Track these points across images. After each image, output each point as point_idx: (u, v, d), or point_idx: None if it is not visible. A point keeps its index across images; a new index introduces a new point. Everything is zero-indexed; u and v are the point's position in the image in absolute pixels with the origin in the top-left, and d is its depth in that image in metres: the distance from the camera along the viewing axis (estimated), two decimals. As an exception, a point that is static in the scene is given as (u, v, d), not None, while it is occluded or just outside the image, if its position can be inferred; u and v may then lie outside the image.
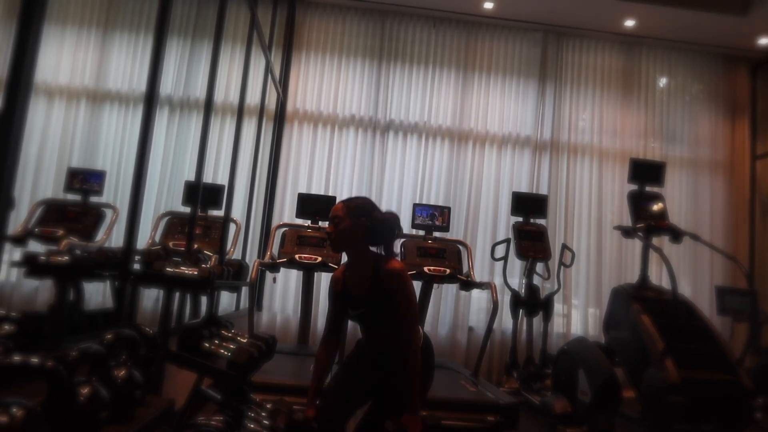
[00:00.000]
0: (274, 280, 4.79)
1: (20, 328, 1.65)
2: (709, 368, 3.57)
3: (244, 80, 4.04)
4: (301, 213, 4.66)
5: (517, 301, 4.89)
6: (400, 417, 1.95)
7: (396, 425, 1.95)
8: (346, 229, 2.06)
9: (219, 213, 3.99)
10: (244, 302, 4.63)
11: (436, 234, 4.77)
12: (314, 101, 5.73)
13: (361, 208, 2.11)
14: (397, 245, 4.69)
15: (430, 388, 2.16)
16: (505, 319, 5.25)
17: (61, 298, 2.24)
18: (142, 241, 3.58)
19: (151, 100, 2.38)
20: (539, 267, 5.01)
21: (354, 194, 5.28)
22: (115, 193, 3.64)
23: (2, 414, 1.11)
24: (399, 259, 2.14)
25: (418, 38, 5.94)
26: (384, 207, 5.78)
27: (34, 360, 1.27)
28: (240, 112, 4.07)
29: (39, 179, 3.33)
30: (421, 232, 4.83)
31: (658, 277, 5.23)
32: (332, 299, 2.18)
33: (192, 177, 3.26)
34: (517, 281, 5.13)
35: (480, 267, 5.35)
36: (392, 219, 2.14)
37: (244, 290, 4.42)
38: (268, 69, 4.93)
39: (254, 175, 4.93)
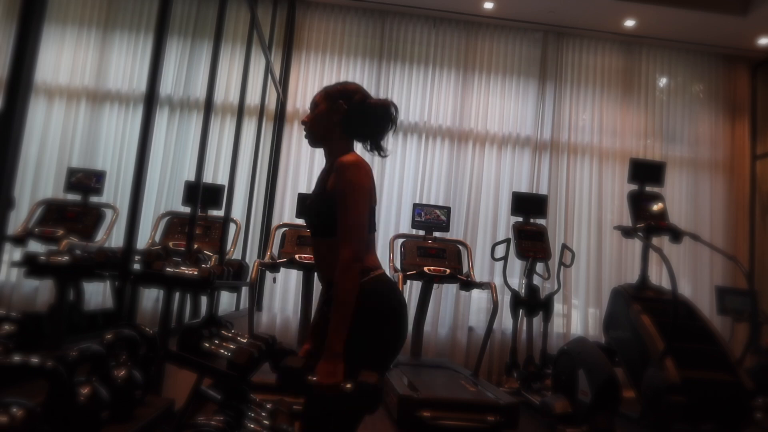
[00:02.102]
0: (274, 280, 4.79)
1: (20, 328, 1.65)
2: (709, 368, 3.58)
3: (244, 80, 4.04)
4: (301, 213, 4.66)
5: (517, 301, 4.90)
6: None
7: (303, 366, 1.53)
8: (320, 115, 1.70)
9: (219, 213, 3.99)
10: (244, 302, 4.63)
11: (436, 234, 4.78)
12: (314, 101, 5.72)
13: (340, 91, 1.72)
14: (392, 241, 4.70)
15: (394, 352, 1.65)
16: (505, 319, 5.25)
17: (61, 298, 2.24)
18: (142, 241, 3.58)
19: (151, 100, 2.38)
20: (539, 267, 5.02)
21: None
22: (115, 193, 3.64)
23: (2, 414, 1.11)
24: (357, 156, 1.64)
25: (418, 38, 5.94)
26: (384, 207, 5.87)
27: (34, 360, 1.26)
28: (240, 112, 4.07)
29: (39, 179, 3.33)
30: (421, 232, 4.83)
31: (658, 277, 5.23)
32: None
33: (192, 177, 3.26)
34: (517, 281, 5.13)
35: (480, 267, 5.35)
36: (379, 105, 1.70)
37: (244, 290, 4.42)
38: (268, 69, 4.93)
39: (254, 175, 4.93)
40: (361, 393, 1.45)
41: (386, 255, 4.67)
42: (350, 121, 1.70)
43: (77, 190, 3.25)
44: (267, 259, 4.34)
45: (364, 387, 1.45)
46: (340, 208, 1.57)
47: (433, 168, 5.76)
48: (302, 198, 4.73)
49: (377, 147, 1.75)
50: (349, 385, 1.46)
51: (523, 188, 5.70)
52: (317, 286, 5.16)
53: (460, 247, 4.74)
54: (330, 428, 1.56)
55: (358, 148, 1.77)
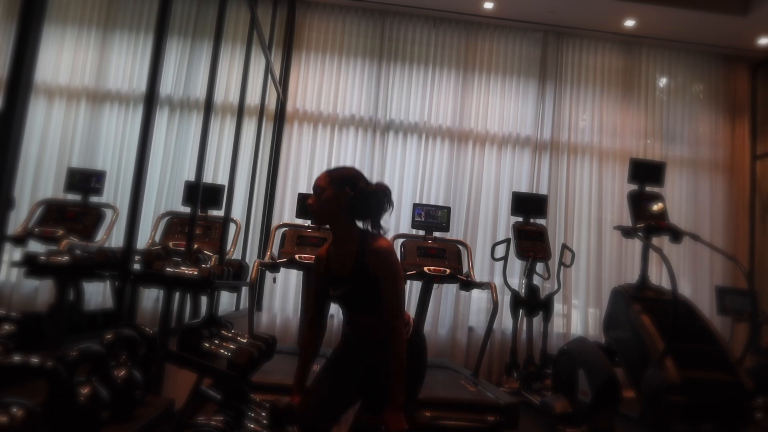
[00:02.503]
0: (274, 280, 4.79)
1: (20, 328, 1.65)
2: (709, 368, 3.58)
3: (244, 80, 4.04)
4: (301, 213, 4.66)
5: (517, 301, 4.89)
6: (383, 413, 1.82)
7: (377, 421, 1.83)
8: (328, 200, 1.89)
9: (219, 213, 3.99)
10: (244, 302, 4.63)
11: (436, 234, 4.77)
12: (314, 101, 5.73)
13: (345, 178, 1.92)
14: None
15: (422, 386, 2.02)
16: (505, 319, 5.25)
17: (61, 298, 2.24)
18: (142, 241, 3.58)
19: (151, 100, 2.38)
20: (539, 267, 5.01)
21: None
22: (115, 193, 3.64)
23: (2, 414, 1.11)
24: (386, 237, 1.96)
25: (418, 38, 5.94)
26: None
27: (34, 360, 1.26)
28: (240, 112, 4.07)
29: (39, 179, 3.33)
30: (421, 232, 4.83)
31: (658, 277, 5.23)
32: (315, 278, 2.07)
33: (192, 177, 3.26)
34: (517, 281, 5.13)
35: (480, 267, 5.35)
36: (380, 190, 1.93)
37: (244, 290, 4.42)
38: (268, 69, 4.93)
39: (254, 175, 4.92)
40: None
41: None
42: (356, 205, 1.91)
43: (77, 190, 3.25)
44: (267, 259, 4.34)
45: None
46: (391, 288, 1.86)
47: (433, 168, 5.76)
48: (302, 198, 4.73)
49: (378, 226, 1.96)
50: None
51: (523, 188, 5.70)
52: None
53: (460, 247, 4.74)
54: None
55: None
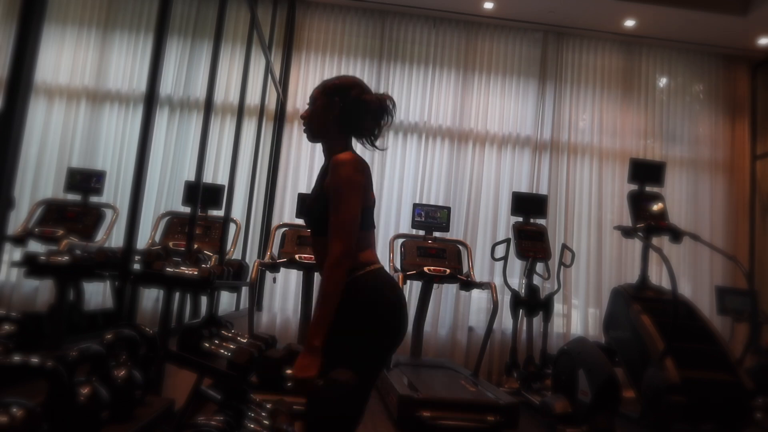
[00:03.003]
0: (274, 280, 4.79)
1: (20, 328, 1.65)
2: (709, 368, 3.58)
3: (244, 80, 4.04)
4: (300, 213, 4.66)
5: (517, 301, 4.89)
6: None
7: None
8: (317, 111, 1.72)
9: (219, 213, 3.99)
10: (244, 302, 4.63)
11: (436, 234, 4.77)
12: (314, 101, 5.71)
13: (337, 86, 1.72)
14: (389, 240, 4.70)
15: (382, 350, 1.58)
16: (505, 319, 5.24)
17: (61, 298, 2.24)
18: (142, 241, 3.58)
19: (151, 100, 2.38)
20: (539, 267, 5.01)
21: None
22: (115, 193, 3.64)
23: (2, 414, 1.11)
24: (354, 154, 1.65)
25: (418, 38, 5.94)
26: (384, 207, 5.87)
27: (34, 360, 1.27)
28: (240, 112, 4.07)
29: (39, 179, 3.33)
30: (421, 232, 4.83)
31: (658, 277, 5.22)
32: None
33: (192, 177, 3.26)
34: (517, 281, 5.13)
35: (480, 267, 5.35)
36: (372, 100, 1.69)
37: (244, 290, 4.42)
38: (268, 69, 4.93)
39: (254, 175, 4.92)
40: (332, 390, 1.42)
41: (386, 255, 4.67)
42: (346, 117, 1.69)
43: (77, 190, 3.25)
44: (267, 259, 4.34)
45: (334, 384, 1.42)
46: (332, 205, 1.58)
47: (433, 168, 5.76)
48: (302, 198, 4.73)
49: (372, 143, 1.75)
50: (320, 382, 1.44)
51: (523, 188, 5.70)
52: (317, 286, 5.15)
53: (460, 247, 4.74)
54: (329, 425, 1.53)
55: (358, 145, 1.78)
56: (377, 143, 1.76)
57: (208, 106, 3.20)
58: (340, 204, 1.56)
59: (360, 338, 1.54)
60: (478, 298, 5.59)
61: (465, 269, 4.58)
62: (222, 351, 2.08)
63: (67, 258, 2.33)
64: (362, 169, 1.62)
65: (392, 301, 1.61)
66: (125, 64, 4.30)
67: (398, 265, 4.54)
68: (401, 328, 1.62)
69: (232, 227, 4.10)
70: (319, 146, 1.79)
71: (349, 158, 1.60)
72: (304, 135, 1.83)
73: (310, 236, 1.75)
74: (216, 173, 4.81)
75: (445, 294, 5.45)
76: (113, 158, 4.09)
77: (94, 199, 3.26)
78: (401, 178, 5.70)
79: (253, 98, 4.90)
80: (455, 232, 5.41)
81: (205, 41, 4.56)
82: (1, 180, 1.36)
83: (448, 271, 4.39)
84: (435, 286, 4.73)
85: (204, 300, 3.45)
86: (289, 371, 1.50)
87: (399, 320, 1.61)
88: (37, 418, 1.16)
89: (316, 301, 1.53)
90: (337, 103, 1.69)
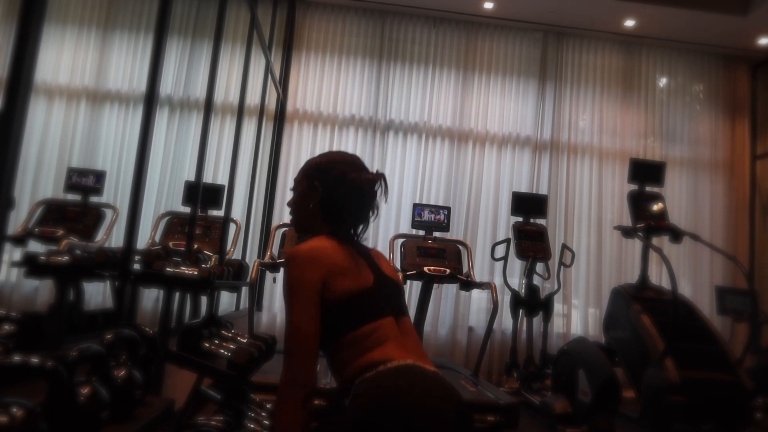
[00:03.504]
0: (274, 280, 4.78)
1: (20, 328, 1.65)
2: (709, 368, 3.58)
3: (244, 80, 4.04)
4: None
5: (517, 301, 4.89)
6: None
7: None
8: (298, 199, 1.46)
9: (219, 213, 3.99)
10: (244, 302, 4.63)
11: (436, 234, 4.77)
12: (314, 101, 5.73)
13: (318, 168, 1.42)
14: (389, 241, 4.70)
15: None
16: (505, 319, 5.24)
17: (61, 298, 2.24)
18: (142, 241, 3.58)
19: (151, 100, 2.38)
20: (539, 267, 5.01)
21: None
22: (115, 193, 3.64)
23: (2, 414, 1.11)
24: (310, 242, 1.35)
25: (418, 38, 5.94)
26: (384, 207, 5.80)
27: (34, 360, 1.26)
28: (240, 112, 4.07)
29: (39, 179, 3.33)
30: (421, 232, 4.83)
31: (658, 277, 5.22)
32: None
33: (192, 177, 3.26)
34: (517, 281, 5.13)
35: (480, 267, 5.35)
36: (356, 183, 1.37)
37: (244, 290, 4.42)
38: (268, 69, 4.93)
39: (254, 175, 4.92)
40: None
41: (386, 255, 4.68)
42: (327, 204, 1.40)
43: (77, 190, 3.25)
44: (267, 259, 4.34)
45: None
46: (286, 308, 1.29)
47: (433, 168, 5.76)
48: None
49: (354, 232, 1.43)
50: None
51: (523, 188, 5.70)
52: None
53: (460, 247, 4.74)
54: None
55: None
56: (359, 238, 1.46)
57: (208, 106, 3.19)
58: (287, 316, 1.28)
59: None
60: (478, 298, 5.59)
61: (465, 269, 4.58)
62: (222, 351, 2.08)
63: (67, 258, 2.33)
64: (313, 262, 1.28)
65: (389, 417, 1.18)
66: (125, 64, 4.29)
67: (398, 266, 4.54)
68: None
69: (232, 227, 4.10)
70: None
71: (297, 251, 1.30)
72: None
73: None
74: (216, 173, 4.81)
75: (445, 294, 5.45)
76: (113, 158, 4.08)
77: (94, 199, 3.26)
78: (401, 178, 5.70)
79: (253, 98, 4.90)
80: (455, 232, 5.41)
81: (205, 41, 4.56)
82: (1, 180, 1.36)
83: (448, 271, 4.39)
84: (435, 286, 4.73)
85: (204, 300, 3.45)
86: None
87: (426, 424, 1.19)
88: (37, 418, 1.16)
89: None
90: (317, 189, 1.41)
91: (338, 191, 1.39)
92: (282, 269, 1.18)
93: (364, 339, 1.29)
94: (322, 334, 1.29)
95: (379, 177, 1.41)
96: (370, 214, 1.45)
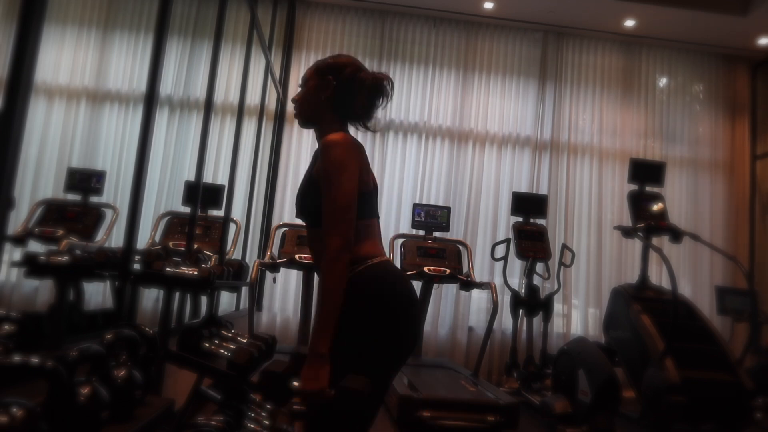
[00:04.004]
0: (274, 280, 4.79)
1: (20, 328, 1.65)
2: (709, 368, 3.58)
3: (244, 80, 4.04)
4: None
5: (517, 301, 4.89)
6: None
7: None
8: (308, 92, 1.57)
9: (219, 213, 3.99)
10: (244, 302, 4.63)
11: (436, 234, 4.77)
12: (314, 101, 5.72)
13: (330, 65, 1.58)
14: (389, 240, 4.70)
15: (398, 358, 1.45)
16: (505, 319, 5.24)
17: (61, 298, 2.24)
18: (142, 241, 3.58)
19: (151, 100, 2.38)
20: (539, 267, 5.01)
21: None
22: (115, 193, 3.64)
23: (2, 414, 1.11)
24: (348, 134, 1.52)
25: (418, 38, 5.94)
26: (384, 207, 5.87)
27: (34, 360, 1.26)
28: (240, 112, 4.07)
29: (39, 179, 3.33)
30: (421, 232, 4.83)
31: (658, 277, 5.22)
32: None
33: (192, 177, 3.26)
34: (517, 281, 5.13)
35: (480, 267, 5.35)
36: (368, 78, 1.54)
37: (244, 290, 4.42)
38: (268, 69, 4.93)
39: (254, 175, 4.92)
40: (346, 399, 1.28)
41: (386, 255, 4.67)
42: (339, 97, 1.54)
43: (77, 190, 3.25)
44: (267, 259, 4.34)
45: (348, 392, 1.28)
46: (323, 192, 1.42)
47: (433, 168, 5.76)
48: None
49: (365, 125, 1.60)
50: (332, 392, 1.30)
51: (523, 188, 5.70)
52: (317, 286, 5.15)
53: (460, 247, 4.74)
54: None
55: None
56: (370, 125, 1.61)
57: (208, 106, 3.20)
58: (331, 189, 1.40)
59: (370, 338, 1.37)
60: (478, 298, 5.59)
61: (465, 269, 4.58)
62: (222, 351, 2.08)
63: (67, 258, 2.33)
64: (356, 150, 1.46)
65: (401, 294, 1.44)
66: (125, 64, 4.30)
67: (398, 266, 4.55)
68: (414, 323, 1.46)
69: (232, 227, 4.10)
70: None
71: (339, 138, 1.45)
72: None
73: (306, 229, 1.59)
74: (216, 173, 4.81)
75: (445, 294, 5.45)
76: (113, 158, 4.09)
77: (94, 199, 3.26)
78: (401, 178, 5.70)
79: (253, 98, 4.90)
80: (455, 232, 5.41)
81: (205, 41, 4.57)
82: (1, 180, 1.36)
83: (448, 271, 4.39)
84: (435, 286, 4.73)
85: (204, 300, 3.45)
86: (295, 383, 1.35)
87: (410, 314, 1.44)
88: (37, 418, 1.16)
89: (317, 303, 1.38)
90: (330, 82, 1.54)
91: (351, 86, 1.54)
92: (322, 155, 1.47)
93: (363, 229, 1.48)
94: None
95: (386, 76, 1.57)
96: (373, 111, 1.59)
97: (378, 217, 1.59)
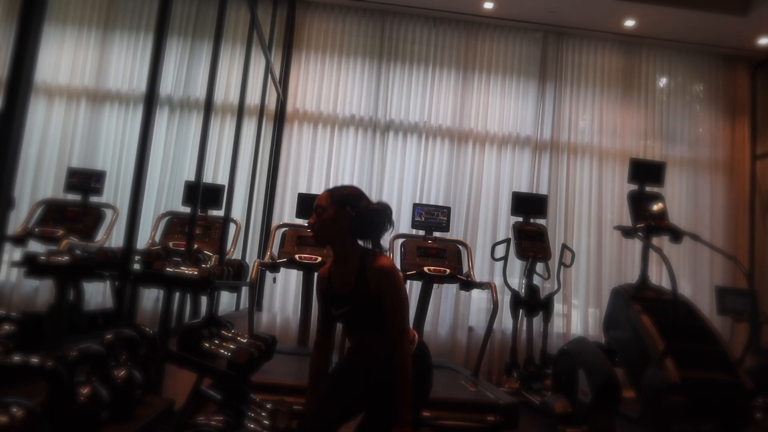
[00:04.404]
0: (274, 280, 4.78)
1: (20, 328, 1.65)
2: (709, 368, 3.57)
3: (244, 80, 4.04)
4: (301, 213, 4.66)
5: (517, 301, 4.89)
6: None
7: None
8: (329, 220, 1.90)
9: (219, 213, 3.99)
10: (244, 302, 4.63)
11: (436, 234, 4.77)
12: (314, 101, 5.73)
13: (346, 197, 1.93)
14: (389, 241, 4.69)
15: (430, 391, 2.00)
16: (505, 319, 5.25)
17: (61, 298, 2.24)
18: (142, 241, 3.58)
19: (151, 100, 2.38)
20: (539, 267, 5.01)
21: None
22: (115, 193, 3.64)
23: (2, 414, 1.11)
24: (388, 256, 1.96)
25: (418, 38, 5.94)
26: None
27: (34, 360, 1.27)
28: (240, 112, 4.07)
29: (39, 179, 3.33)
30: (421, 232, 4.83)
31: (658, 277, 5.23)
32: (319, 298, 2.04)
33: (192, 177, 3.26)
34: (517, 281, 5.13)
35: (480, 267, 5.35)
36: (381, 209, 1.94)
37: (244, 290, 4.42)
38: (268, 69, 4.94)
39: (254, 175, 4.93)
40: None
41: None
42: (359, 226, 1.91)
43: (77, 190, 3.25)
44: (267, 259, 4.34)
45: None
46: (395, 307, 1.84)
47: (433, 168, 5.76)
48: (302, 198, 4.73)
49: (378, 245, 1.95)
50: None
51: (523, 188, 5.70)
52: (316, 287, 5.15)
53: (460, 247, 4.74)
54: None
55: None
56: (381, 246, 1.96)
57: (208, 106, 3.20)
58: (402, 307, 1.87)
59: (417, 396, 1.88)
60: (478, 298, 5.59)
61: (465, 269, 4.58)
62: (222, 351, 2.08)
63: (67, 258, 2.33)
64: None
65: (429, 365, 2.00)
66: (125, 64, 4.30)
67: (398, 266, 4.54)
68: (430, 378, 2.02)
69: (232, 227, 4.10)
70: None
71: (391, 265, 1.88)
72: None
73: (356, 332, 1.97)
74: (216, 173, 4.81)
75: (445, 294, 5.45)
76: (113, 158, 4.09)
77: (94, 199, 3.26)
78: (401, 178, 5.70)
79: (253, 98, 4.90)
80: (455, 232, 5.41)
81: (205, 41, 4.56)
82: (1, 180, 1.36)
83: (448, 271, 4.39)
84: (435, 286, 4.73)
85: (204, 300, 3.45)
86: None
87: (431, 376, 2.01)
88: (37, 418, 1.16)
89: (401, 385, 1.79)
90: (349, 213, 1.90)
91: (368, 215, 1.92)
92: (385, 278, 1.91)
93: None
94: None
95: (387, 205, 1.97)
96: (382, 234, 1.97)
97: None
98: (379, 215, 1.93)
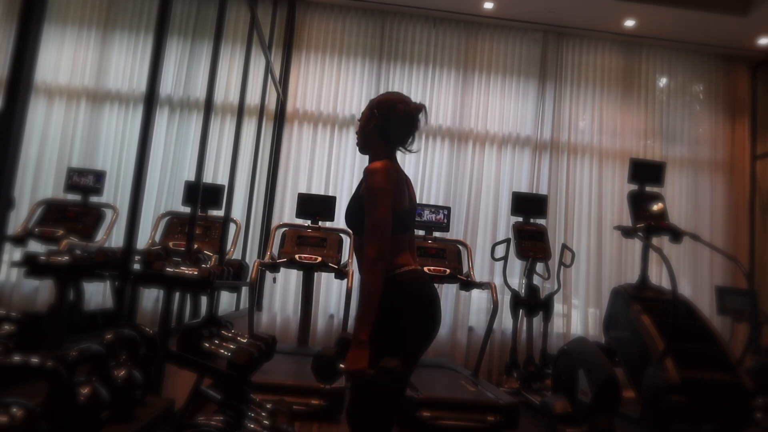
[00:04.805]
0: (274, 280, 4.79)
1: (20, 328, 1.65)
2: (709, 368, 3.58)
3: (244, 80, 4.04)
4: (301, 213, 4.66)
5: (517, 301, 4.89)
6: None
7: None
8: (362, 124, 1.90)
9: (219, 213, 3.99)
10: (244, 302, 4.63)
11: (436, 234, 4.77)
12: (314, 101, 5.73)
13: (380, 102, 1.89)
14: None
15: (422, 338, 1.75)
16: (505, 319, 5.24)
17: (61, 298, 2.24)
18: (142, 241, 3.58)
19: (151, 100, 2.38)
20: (539, 267, 5.01)
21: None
22: (115, 193, 3.64)
23: (2, 414, 1.11)
24: (392, 161, 1.85)
25: (418, 38, 5.94)
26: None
27: (34, 360, 1.27)
28: (240, 112, 4.07)
29: (39, 179, 3.33)
30: (421, 232, 4.83)
31: (658, 277, 5.22)
32: None
33: (192, 177, 3.26)
34: (517, 281, 5.13)
35: (480, 267, 5.35)
36: (401, 110, 1.85)
37: (244, 290, 4.42)
38: (268, 69, 4.94)
39: (254, 175, 4.93)
40: (383, 377, 1.57)
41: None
42: (381, 127, 1.86)
43: (77, 190, 3.25)
44: (267, 259, 4.34)
45: (385, 371, 1.57)
46: (365, 210, 1.73)
47: (433, 168, 5.76)
48: (302, 198, 4.73)
49: (407, 149, 1.93)
50: (372, 371, 1.59)
51: (523, 188, 5.70)
52: (317, 286, 5.17)
53: (460, 247, 4.74)
54: (369, 414, 1.70)
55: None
56: (413, 147, 1.93)
57: (208, 106, 3.20)
58: (370, 210, 1.72)
59: (401, 329, 1.71)
60: (478, 298, 5.59)
61: (465, 269, 4.58)
62: (222, 351, 2.08)
63: (67, 258, 2.33)
64: (392, 177, 1.76)
65: (425, 295, 1.79)
66: (125, 64, 4.29)
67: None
68: (436, 318, 1.81)
69: (232, 227, 4.10)
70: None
71: (379, 166, 1.76)
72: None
73: (353, 237, 1.92)
74: (216, 173, 4.81)
75: (445, 294, 5.45)
76: (113, 158, 4.09)
77: (94, 199, 3.26)
78: (401, 178, 5.69)
79: (253, 98, 4.90)
80: (455, 232, 5.41)
81: (205, 41, 4.56)
82: (1, 180, 1.36)
83: (448, 271, 4.39)
84: (435, 286, 4.73)
85: (204, 300, 3.45)
86: (342, 365, 1.66)
87: (434, 311, 1.80)
88: (37, 418, 1.16)
89: (358, 299, 1.69)
90: (375, 115, 1.86)
91: (389, 116, 1.85)
92: (364, 180, 1.81)
93: (397, 242, 1.78)
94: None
95: (421, 107, 1.89)
96: (409, 136, 1.91)
97: (412, 231, 1.92)
98: (399, 116, 1.85)
